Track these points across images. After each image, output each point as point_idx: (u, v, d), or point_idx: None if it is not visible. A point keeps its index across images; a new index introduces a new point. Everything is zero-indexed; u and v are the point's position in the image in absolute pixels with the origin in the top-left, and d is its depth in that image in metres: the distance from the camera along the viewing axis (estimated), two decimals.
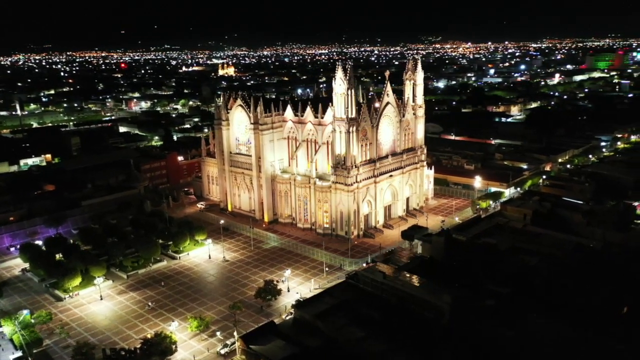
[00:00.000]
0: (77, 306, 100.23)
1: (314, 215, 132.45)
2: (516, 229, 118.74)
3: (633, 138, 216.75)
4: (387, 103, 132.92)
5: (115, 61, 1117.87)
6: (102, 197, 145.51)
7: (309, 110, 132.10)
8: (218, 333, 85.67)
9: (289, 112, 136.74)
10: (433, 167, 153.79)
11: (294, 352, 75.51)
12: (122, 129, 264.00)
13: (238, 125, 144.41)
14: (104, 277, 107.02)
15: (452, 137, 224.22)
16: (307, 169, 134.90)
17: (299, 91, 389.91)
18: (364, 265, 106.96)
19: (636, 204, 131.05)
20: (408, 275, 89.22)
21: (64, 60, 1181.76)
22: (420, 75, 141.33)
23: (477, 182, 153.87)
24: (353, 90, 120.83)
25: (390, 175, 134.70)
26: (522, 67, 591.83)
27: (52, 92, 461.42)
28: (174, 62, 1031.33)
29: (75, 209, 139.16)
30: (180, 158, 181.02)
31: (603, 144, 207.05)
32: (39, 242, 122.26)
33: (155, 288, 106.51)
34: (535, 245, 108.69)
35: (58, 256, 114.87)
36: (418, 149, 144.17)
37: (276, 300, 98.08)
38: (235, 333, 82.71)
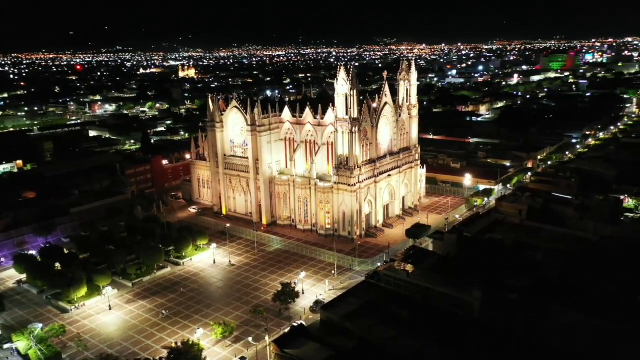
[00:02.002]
0: (85, 317, 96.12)
1: (315, 217, 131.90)
2: (515, 224, 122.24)
3: (601, 135, 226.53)
4: (385, 103, 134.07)
5: (66, 63, 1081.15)
6: (91, 204, 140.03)
7: (308, 111, 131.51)
8: (250, 339, 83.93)
9: (286, 113, 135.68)
10: (425, 166, 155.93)
11: (331, 354, 74.96)
12: (92, 133, 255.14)
13: (233, 127, 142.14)
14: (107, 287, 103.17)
15: (431, 137, 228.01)
16: (306, 170, 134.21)
17: (268, 92, 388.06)
18: (379, 265, 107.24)
19: (622, 197, 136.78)
20: (431, 273, 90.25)
21: (9, 62, 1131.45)
22: (414, 75, 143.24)
23: (467, 180, 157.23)
24: (355, 91, 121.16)
25: (389, 175, 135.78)
26: (480, 67, 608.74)
27: (6, 95, 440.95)
28: (128, 64, 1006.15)
29: (65, 216, 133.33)
30: (164, 162, 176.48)
31: (574, 141, 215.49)
32: (33, 252, 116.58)
33: (165, 295, 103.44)
34: (536, 239, 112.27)
35: (56, 266, 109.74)
36: (412, 148, 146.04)
37: (295, 302, 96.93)
38: (267, 338, 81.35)
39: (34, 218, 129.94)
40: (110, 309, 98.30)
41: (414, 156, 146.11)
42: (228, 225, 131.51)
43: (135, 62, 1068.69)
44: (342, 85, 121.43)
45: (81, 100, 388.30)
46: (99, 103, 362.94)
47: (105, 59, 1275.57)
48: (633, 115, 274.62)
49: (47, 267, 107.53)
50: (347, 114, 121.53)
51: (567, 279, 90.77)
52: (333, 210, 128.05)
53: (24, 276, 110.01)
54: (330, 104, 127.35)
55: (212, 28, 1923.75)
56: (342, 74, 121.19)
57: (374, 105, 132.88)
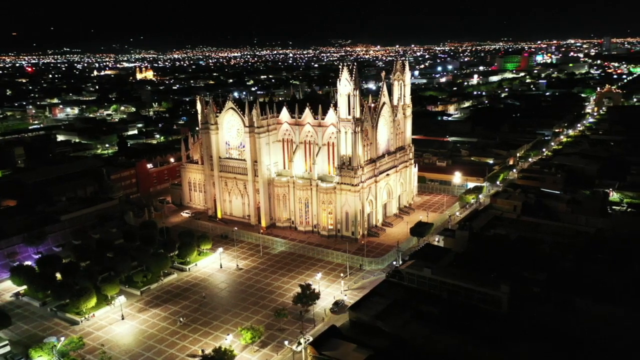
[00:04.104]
0: (98, 329, 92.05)
1: (316, 218, 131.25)
2: (512, 220, 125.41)
3: (571, 132, 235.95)
4: (384, 103, 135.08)
5: (10, 65, 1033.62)
6: (81, 211, 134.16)
7: (307, 111, 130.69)
8: (286, 342, 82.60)
9: (284, 114, 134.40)
10: (417, 165, 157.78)
11: (370, 354, 74.73)
12: (59, 137, 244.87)
13: (229, 129, 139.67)
14: (116, 295, 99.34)
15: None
16: (306, 171, 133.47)
17: (235, 94, 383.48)
18: (394, 263, 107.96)
19: (607, 191, 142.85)
20: (455, 269, 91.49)
21: None
22: (407, 75, 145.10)
23: (457, 178, 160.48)
24: (358, 91, 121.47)
25: (387, 174, 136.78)
26: (439, 68, 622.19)
27: None
28: (79, 66, 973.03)
29: (55, 224, 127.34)
30: (148, 165, 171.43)
31: (546, 138, 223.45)
32: (29, 263, 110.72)
33: (177, 302, 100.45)
34: (535, 233, 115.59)
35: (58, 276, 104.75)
36: (407, 147, 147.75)
37: (315, 304, 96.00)
38: (302, 340, 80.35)
39: (22, 227, 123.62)
40: (122, 318, 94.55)
41: (408, 155, 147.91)
42: (235, 228, 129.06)
43: (85, 64, 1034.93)
44: (345, 86, 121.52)
45: (38, 103, 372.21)
46: (60, 106, 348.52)
47: (53, 60, 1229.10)
48: (595, 114, 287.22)
49: (48, 278, 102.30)
50: (349, 114, 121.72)
51: (580, 270, 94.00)
52: (335, 211, 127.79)
53: (22, 288, 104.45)
54: (332, 105, 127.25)
55: (164, 29, 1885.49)
56: (345, 74, 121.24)
57: (372, 105, 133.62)
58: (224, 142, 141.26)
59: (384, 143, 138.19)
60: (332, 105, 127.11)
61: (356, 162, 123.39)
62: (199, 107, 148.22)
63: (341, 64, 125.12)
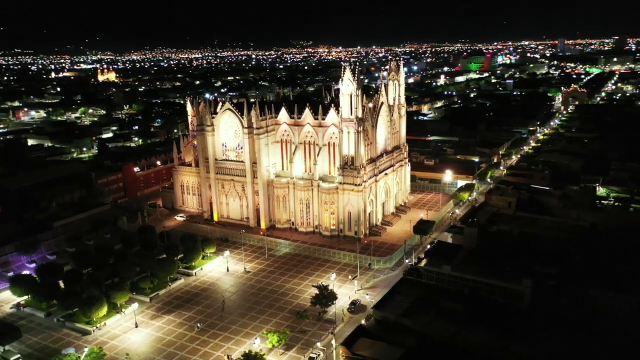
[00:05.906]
0: (112, 338, 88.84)
1: (318, 218, 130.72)
2: (509, 215, 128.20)
3: (546, 130, 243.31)
4: (382, 103, 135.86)
5: None
6: (74, 217, 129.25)
7: (307, 112, 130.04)
8: (318, 344, 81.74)
9: (283, 114, 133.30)
10: (410, 164, 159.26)
11: (402, 352, 74.98)
12: (30, 141, 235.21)
13: (226, 130, 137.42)
14: (126, 303, 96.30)
15: None
16: (306, 172, 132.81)
17: (207, 95, 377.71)
18: (407, 261, 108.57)
19: (595, 186, 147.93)
20: (474, 265, 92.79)
21: None
22: (402, 75, 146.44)
23: (448, 176, 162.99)
24: (360, 91, 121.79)
25: (386, 174, 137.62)
26: (405, 69, 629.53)
27: None
28: (33, 68, 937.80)
29: (48, 231, 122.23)
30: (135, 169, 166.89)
31: (524, 136, 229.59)
32: (27, 272, 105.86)
33: (190, 308, 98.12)
34: (534, 228, 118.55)
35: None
36: (402, 146, 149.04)
37: (333, 305, 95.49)
38: (333, 341, 79.83)
39: (12, 235, 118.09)
40: (136, 326, 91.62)
41: (403, 154, 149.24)
42: (243, 231, 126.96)
43: (40, 66, 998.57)
44: (347, 86, 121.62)
45: None
46: (25, 109, 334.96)
47: (4, 62, 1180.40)
48: (564, 112, 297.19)
49: (51, 287, 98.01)
50: (352, 114, 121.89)
51: (587, 262, 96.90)
52: (338, 211, 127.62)
53: (22, 299, 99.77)
54: (333, 105, 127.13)
55: (120, 29, 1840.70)
56: (347, 74, 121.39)
57: (370, 105, 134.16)
58: (221, 143, 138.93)
59: (382, 142, 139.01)
60: (332, 105, 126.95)
61: (359, 162, 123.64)
62: (189, 108, 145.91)
63: (343, 64, 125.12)
